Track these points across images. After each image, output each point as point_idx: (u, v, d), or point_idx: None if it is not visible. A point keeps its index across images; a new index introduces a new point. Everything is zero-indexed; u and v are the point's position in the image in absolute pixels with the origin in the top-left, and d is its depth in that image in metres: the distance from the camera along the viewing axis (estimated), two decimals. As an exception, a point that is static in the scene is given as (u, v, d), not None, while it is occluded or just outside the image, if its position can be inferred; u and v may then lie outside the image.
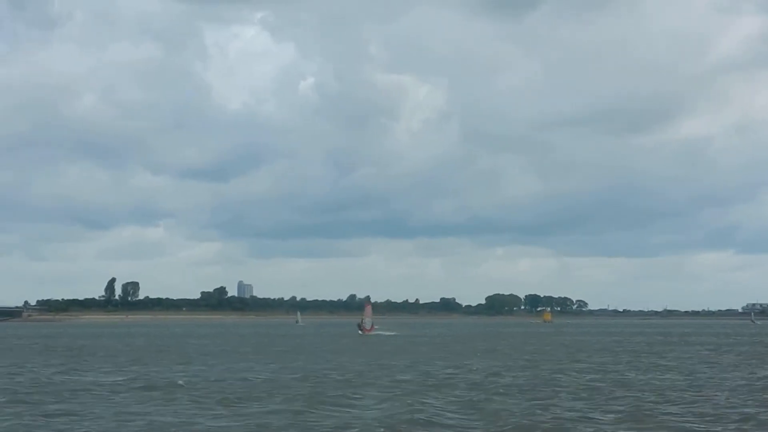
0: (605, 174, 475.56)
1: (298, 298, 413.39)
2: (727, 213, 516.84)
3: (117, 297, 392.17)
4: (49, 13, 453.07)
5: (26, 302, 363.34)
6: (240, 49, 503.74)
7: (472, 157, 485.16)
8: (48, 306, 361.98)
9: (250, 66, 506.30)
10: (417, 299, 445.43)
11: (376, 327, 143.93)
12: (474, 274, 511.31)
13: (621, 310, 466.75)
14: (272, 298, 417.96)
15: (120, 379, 50.38)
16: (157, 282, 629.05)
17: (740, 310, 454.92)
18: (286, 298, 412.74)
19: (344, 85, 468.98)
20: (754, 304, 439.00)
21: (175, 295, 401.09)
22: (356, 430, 30.73)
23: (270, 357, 72.27)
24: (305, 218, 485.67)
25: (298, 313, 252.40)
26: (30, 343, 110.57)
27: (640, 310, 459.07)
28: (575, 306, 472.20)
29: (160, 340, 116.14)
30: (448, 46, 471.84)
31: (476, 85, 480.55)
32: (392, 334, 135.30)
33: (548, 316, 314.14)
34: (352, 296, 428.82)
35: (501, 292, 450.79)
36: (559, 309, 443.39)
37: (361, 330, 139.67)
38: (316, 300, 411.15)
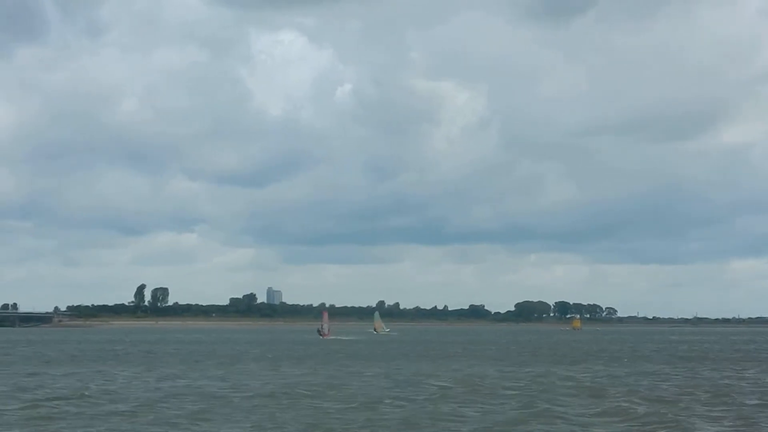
0: (645, 181, 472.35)
1: (327, 305, 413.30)
2: (766, 220, 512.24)
3: (146, 303, 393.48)
4: (95, 20, 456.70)
5: (57, 308, 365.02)
6: (282, 56, 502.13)
7: (512, 163, 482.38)
8: (78, 312, 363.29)
9: (293, 72, 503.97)
10: (445, 306, 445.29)
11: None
12: (506, 281, 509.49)
13: (651, 318, 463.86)
14: (301, 304, 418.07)
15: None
16: (187, 288, 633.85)
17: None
18: (315, 305, 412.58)
19: (384, 92, 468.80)
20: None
21: (204, 302, 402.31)
22: None
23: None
24: (342, 225, 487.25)
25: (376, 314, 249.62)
26: (107, 348, 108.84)
27: (670, 318, 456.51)
28: (605, 313, 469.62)
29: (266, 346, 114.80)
30: (491, 53, 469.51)
31: (518, 92, 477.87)
32: (351, 338, 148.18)
33: (578, 324, 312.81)
34: (381, 303, 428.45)
35: (531, 299, 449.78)
36: (588, 316, 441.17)
37: (321, 335, 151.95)
38: (345, 306, 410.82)
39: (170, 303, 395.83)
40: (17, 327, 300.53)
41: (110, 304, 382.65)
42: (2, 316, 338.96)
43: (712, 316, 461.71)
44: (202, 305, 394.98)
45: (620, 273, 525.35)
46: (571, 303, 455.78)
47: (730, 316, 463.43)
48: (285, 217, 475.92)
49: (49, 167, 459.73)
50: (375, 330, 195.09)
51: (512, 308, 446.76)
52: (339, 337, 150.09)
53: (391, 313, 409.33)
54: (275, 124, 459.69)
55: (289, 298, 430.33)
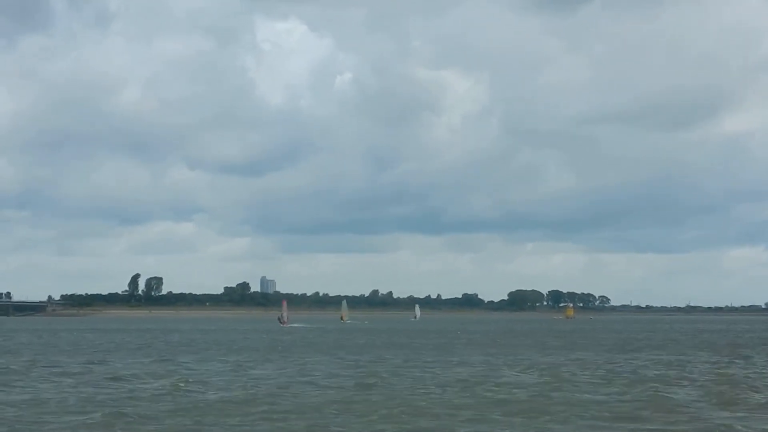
0: (645, 170, 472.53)
1: (321, 294, 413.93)
2: (763, 208, 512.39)
3: (140, 292, 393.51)
4: (101, 9, 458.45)
5: (50, 297, 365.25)
6: (285, 45, 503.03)
7: (513, 152, 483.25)
8: (72, 301, 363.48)
9: (296, 61, 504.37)
10: (439, 295, 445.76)
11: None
12: (501, 270, 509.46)
13: (644, 306, 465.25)
14: (295, 293, 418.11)
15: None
16: (182, 277, 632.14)
17: (764, 306, 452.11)
18: (309, 294, 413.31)
19: (385, 80, 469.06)
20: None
21: (199, 291, 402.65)
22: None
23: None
24: (341, 214, 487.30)
25: (417, 307, 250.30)
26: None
27: (663, 306, 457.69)
28: (597, 302, 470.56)
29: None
30: (493, 41, 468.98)
31: (520, 81, 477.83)
32: (303, 326, 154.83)
33: (571, 312, 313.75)
34: (375, 291, 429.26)
35: (526, 288, 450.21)
36: (581, 305, 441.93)
37: (281, 323, 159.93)
38: (339, 295, 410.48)
39: (164, 292, 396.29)
40: (11, 316, 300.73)
41: (104, 293, 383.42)
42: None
43: (706, 305, 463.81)
44: (195, 294, 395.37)
45: (616, 262, 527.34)
46: (564, 292, 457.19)
47: (723, 305, 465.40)
48: (283, 206, 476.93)
49: (49, 156, 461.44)
50: (342, 318, 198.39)
51: (505, 297, 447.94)
52: (295, 325, 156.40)
53: (384, 302, 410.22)
54: (275, 114, 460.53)
55: (283, 287, 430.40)
